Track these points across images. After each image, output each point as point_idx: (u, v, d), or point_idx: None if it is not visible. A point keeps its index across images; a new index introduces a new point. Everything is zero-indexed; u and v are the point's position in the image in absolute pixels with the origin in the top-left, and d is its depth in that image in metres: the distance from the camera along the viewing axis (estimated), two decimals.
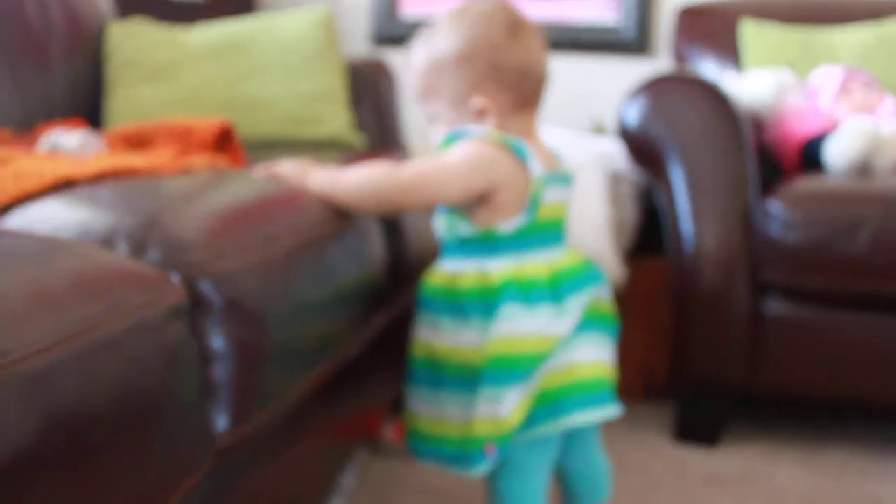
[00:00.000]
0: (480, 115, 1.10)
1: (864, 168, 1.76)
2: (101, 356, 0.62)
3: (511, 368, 1.04)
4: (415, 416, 1.12)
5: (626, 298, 1.92)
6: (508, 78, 1.09)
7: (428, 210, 1.15)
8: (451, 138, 1.10)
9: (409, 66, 1.14)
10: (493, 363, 1.03)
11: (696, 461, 1.65)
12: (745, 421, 1.80)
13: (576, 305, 1.08)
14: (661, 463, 1.64)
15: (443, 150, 1.11)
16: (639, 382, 1.96)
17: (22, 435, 0.53)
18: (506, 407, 1.03)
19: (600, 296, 1.14)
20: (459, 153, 1.07)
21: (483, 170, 1.06)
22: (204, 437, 0.77)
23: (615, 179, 1.96)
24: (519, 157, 1.07)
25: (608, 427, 1.76)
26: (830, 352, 1.63)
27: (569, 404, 1.07)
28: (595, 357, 1.12)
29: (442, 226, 1.12)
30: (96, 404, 0.61)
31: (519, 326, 1.04)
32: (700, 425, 1.73)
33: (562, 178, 1.12)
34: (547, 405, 1.07)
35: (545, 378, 1.06)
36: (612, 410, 1.13)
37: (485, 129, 1.08)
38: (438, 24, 1.13)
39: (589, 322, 1.10)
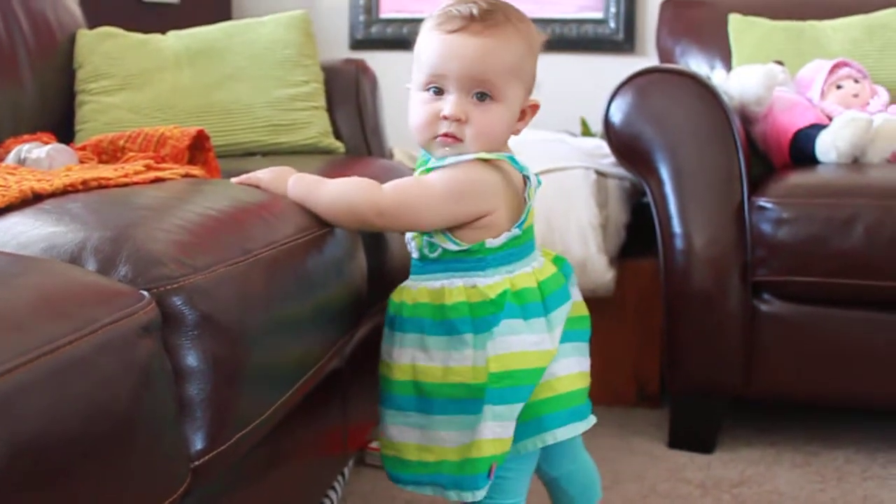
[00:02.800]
0: (524, 115, 1.06)
1: (856, 161, 1.74)
2: (68, 377, 0.58)
3: (516, 385, 1.00)
4: (397, 444, 1.06)
5: (615, 300, 1.89)
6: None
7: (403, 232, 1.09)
8: (428, 166, 1.04)
9: (491, 42, 1.01)
10: (497, 381, 0.99)
11: (693, 467, 1.62)
12: (741, 425, 1.77)
13: (559, 318, 1.06)
14: (657, 469, 1.61)
15: (423, 172, 1.05)
16: (632, 387, 1.93)
17: None
18: (512, 425, 1.00)
19: (573, 295, 1.11)
20: (445, 181, 1.01)
21: (470, 199, 1.01)
22: (179, 457, 0.73)
23: (602, 178, 1.93)
24: (517, 168, 1.03)
25: (602, 434, 1.74)
26: (826, 350, 1.60)
27: (551, 419, 1.04)
28: (573, 368, 1.08)
29: (419, 241, 1.05)
30: (64, 427, 0.57)
31: (517, 342, 1.00)
32: (695, 431, 1.70)
33: (537, 180, 1.09)
34: (531, 420, 1.03)
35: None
36: (590, 421, 1.10)
37: (476, 154, 1.01)
38: (513, 12, 1.04)
39: (566, 331, 1.07)
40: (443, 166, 1.03)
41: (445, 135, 1.01)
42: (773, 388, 1.64)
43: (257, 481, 0.97)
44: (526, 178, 1.04)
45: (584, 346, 1.11)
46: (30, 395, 0.53)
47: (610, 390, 1.91)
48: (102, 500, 0.61)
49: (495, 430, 0.99)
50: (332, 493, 1.33)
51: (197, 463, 0.74)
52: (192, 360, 0.75)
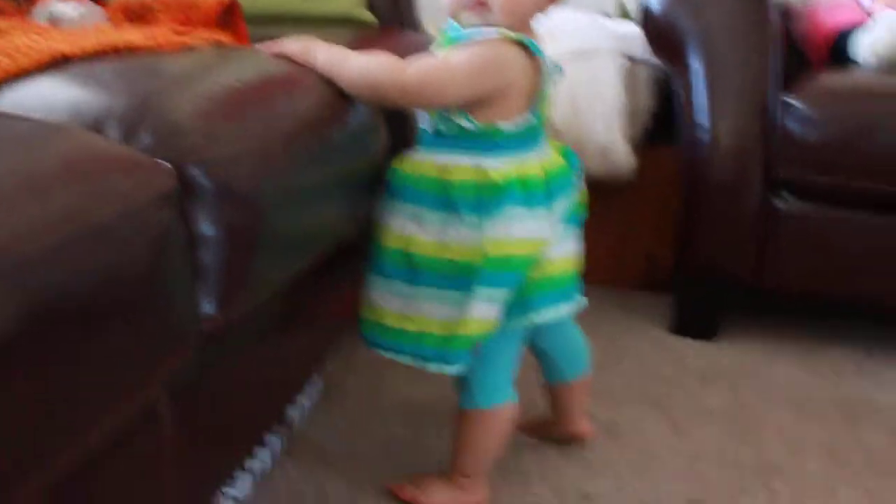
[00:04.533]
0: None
1: (895, 66, 1.71)
2: (88, 242, 0.62)
3: (509, 270, 1.04)
4: (379, 310, 1.10)
5: (635, 186, 1.91)
6: None
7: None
8: (453, 39, 1.06)
9: None
10: (492, 264, 1.03)
11: (693, 354, 1.67)
12: (744, 317, 1.81)
13: (561, 209, 1.09)
14: (658, 353, 1.66)
15: (446, 47, 1.07)
16: (642, 271, 1.97)
17: (6, 321, 0.53)
18: (498, 309, 1.04)
19: (577, 187, 1.13)
20: (468, 56, 1.03)
21: (491, 73, 1.03)
22: (190, 320, 0.77)
23: (632, 64, 1.92)
24: (535, 53, 1.04)
25: (608, 315, 1.79)
26: (839, 251, 1.62)
27: (538, 300, 1.10)
28: (564, 252, 1.13)
29: (434, 114, 1.07)
30: (84, 290, 0.61)
31: (518, 229, 1.04)
32: (698, 318, 1.74)
33: (558, 68, 1.09)
34: (518, 300, 1.08)
35: None
36: (578, 303, 1.16)
37: (497, 28, 1.03)
38: None
39: (568, 217, 1.11)
40: (464, 43, 1.04)
41: (474, 2, 1.03)
42: (782, 282, 1.67)
43: (265, 344, 1.02)
44: (543, 64, 1.05)
45: (578, 231, 1.15)
46: (52, 259, 0.57)
47: (620, 272, 1.95)
48: (114, 354, 0.65)
49: (484, 310, 1.04)
50: (330, 362, 1.40)
51: (207, 326, 0.79)
52: (207, 228, 0.78)
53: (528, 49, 1.04)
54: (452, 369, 1.07)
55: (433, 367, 1.08)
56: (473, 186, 1.03)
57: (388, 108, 1.15)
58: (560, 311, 1.14)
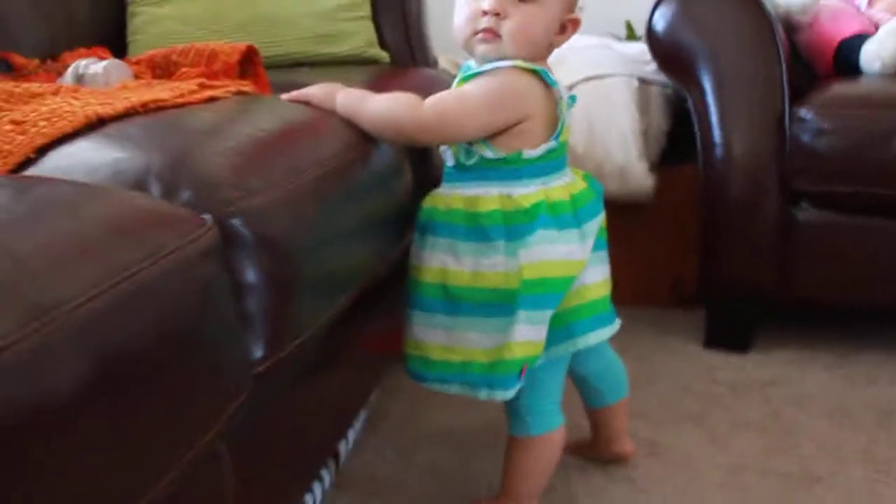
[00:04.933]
0: (563, 30, 1.09)
1: None
2: (142, 299, 0.64)
3: (547, 293, 1.07)
4: (422, 344, 1.11)
5: (655, 206, 1.93)
6: None
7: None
8: (467, 76, 1.09)
9: None
10: (529, 287, 1.05)
11: (726, 367, 1.68)
12: (775, 328, 1.82)
13: (592, 230, 1.11)
14: (691, 369, 1.67)
15: (461, 83, 1.09)
16: (669, 290, 1.98)
17: (75, 381, 0.56)
18: (544, 329, 1.06)
19: (603, 214, 1.16)
20: (483, 89, 1.06)
21: (507, 104, 1.05)
22: (242, 365, 0.80)
23: (644, 85, 1.94)
24: (549, 83, 1.06)
25: (639, 334, 1.80)
26: (860, 258, 1.63)
27: (581, 326, 1.13)
28: (599, 277, 1.16)
29: (455, 148, 1.09)
30: (140, 345, 0.63)
31: (551, 251, 1.06)
32: (730, 332, 1.75)
33: (572, 98, 1.12)
34: (562, 327, 1.11)
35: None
36: (615, 326, 1.19)
37: (513, 61, 1.05)
38: None
39: (595, 242, 1.13)
40: (480, 74, 1.07)
41: (484, 30, 1.05)
42: (807, 292, 1.68)
43: (313, 383, 1.05)
44: (558, 93, 1.07)
45: (606, 255, 1.18)
46: (110, 318, 0.59)
47: (648, 292, 1.97)
48: (175, 406, 0.68)
49: (528, 333, 1.06)
50: (374, 395, 1.42)
51: (258, 369, 0.81)
52: (250, 276, 0.81)
53: (543, 78, 1.06)
54: (501, 395, 1.09)
55: (483, 395, 1.09)
56: (501, 214, 1.05)
57: (410, 145, 1.17)
58: (602, 335, 1.16)
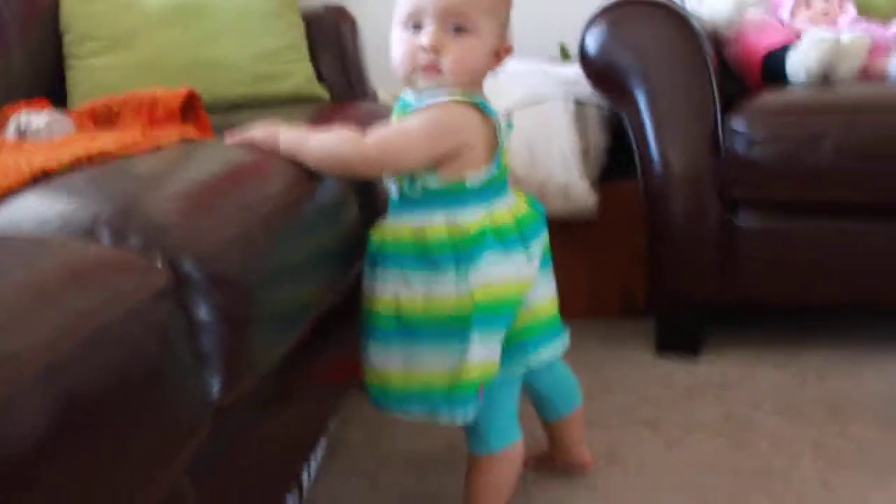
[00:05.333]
0: (498, 57, 1.12)
1: (825, 78, 1.80)
2: (102, 343, 0.66)
3: (499, 313, 1.09)
4: (382, 373, 1.13)
5: (600, 221, 1.97)
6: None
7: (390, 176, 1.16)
8: (406, 107, 1.12)
9: None
10: (481, 310, 1.07)
11: (679, 372, 1.72)
12: (725, 331, 1.87)
13: (537, 250, 1.15)
14: (645, 376, 1.71)
15: (400, 116, 1.13)
16: (618, 301, 2.02)
17: (40, 426, 0.58)
18: (497, 348, 1.09)
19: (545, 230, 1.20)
20: (423, 121, 1.08)
21: (446, 135, 1.08)
22: (200, 402, 0.81)
23: (581, 106, 1.99)
24: (486, 112, 1.10)
25: (592, 345, 1.84)
26: (801, 259, 1.69)
27: (533, 343, 1.16)
28: (547, 294, 1.20)
29: (400, 180, 1.12)
30: (101, 387, 0.65)
31: (499, 273, 1.09)
32: (681, 338, 1.80)
33: (509, 125, 1.16)
34: (515, 344, 1.14)
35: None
36: (566, 342, 1.23)
37: (449, 91, 1.08)
38: None
39: (540, 261, 1.16)
40: (419, 108, 1.10)
41: (425, 66, 1.08)
42: (752, 295, 1.73)
43: (272, 413, 1.06)
44: (496, 121, 1.11)
45: (551, 272, 1.22)
46: (71, 363, 0.61)
47: (598, 304, 2.01)
48: (136, 445, 0.69)
49: (483, 353, 1.09)
50: (332, 422, 1.44)
51: (216, 406, 0.83)
52: (204, 315, 0.83)
53: (480, 108, 1.10)
54: (462, 417, 1.11)
55: (444, 419, 1.11)
56: (449, 242, 1.08)
57: (354, 178, 1.20)
58: (554, 351, 1.20)
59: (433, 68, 1.08)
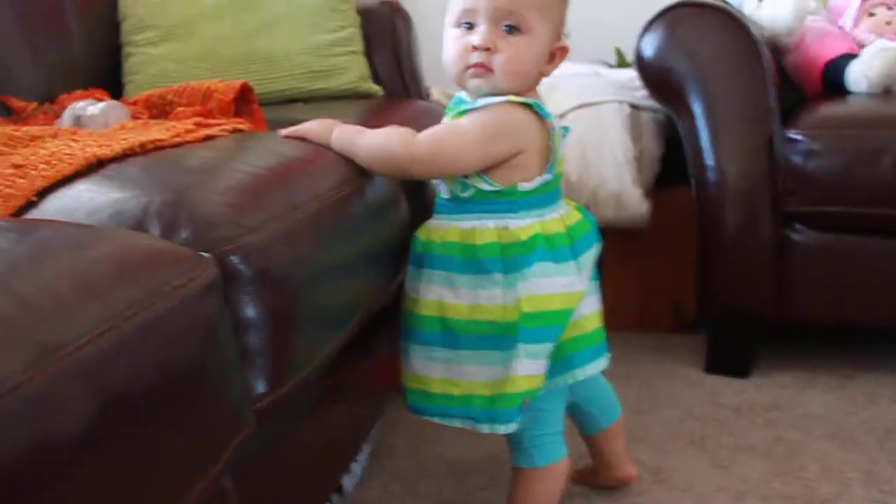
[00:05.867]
0: (552, 59, 1.10)
1: (887, 90, 1.75)
2: (145, 338, 0.65)
3: (548, 325, 1.07)
4: (422, 377, 1.11)
5: (652, 231, 1.94)
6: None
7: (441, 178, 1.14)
8: (459, 108, 1.09)
9: None
10: (529, 321, 1.05)
11: (728, 391, 1.68)
12: (775, 351, 1.82)
13: (587, 261, 1.12)
14: (694, 394, 1.67)
15: (453, 116, 1.10)
16: (668, 315, 1.98)
17: (81, 420, 0.56)
18: (544, 362, 1.07)
19: (598, 245, 1.17)
20: (477, 123, 1.06)
21: (501, 138, 1.06)
22: (244, 400, 0.80)
23: (636, 111, 1.96)
24: (541, 115, 1.07)
25: (640, 360, 1.80)
26: (856, 278, 1.64)
27: (580, 357, 1.13)
28: (595, 308, 1.16)
29: (451, 181, 1.10)
30: (144, 382, 0.64)
31: (549, 284, 1.06)
32: (731, 356, 1.76)
33: (565, 129, 1.13)
34: (561, 359, 1.11)
35: None
36: (608, 358, 1.19)
37: (506, 95, 1.06)
38: None
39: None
40: (473, 109, 1.07)
41: (476, 65, 1.06)
42: (804, 314, 1.69)
43: (315, 416, 1.05)
44: (551, 125, 1.08)
45: (597, 286, 1.18)
46: (114, 357, 0.60)
47: (648, 317, 1.98)
48: (178, 442, 0.68)
49: (529, 367, 1.06)
50: (377, 427, 1.42)
51: (259, 405, 0.81)
52: (250, 312, 0.82)
53: (536, 111, 1.07)
54: (504, 428, 1.09)
55: (485, 429, 1.09)
56: (499, 246, 1.06)
57: (404, 178, 1.18)
58: (599, 366, 1.17)
59: (484, 68, 1.06)
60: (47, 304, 0.60)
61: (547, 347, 1.08)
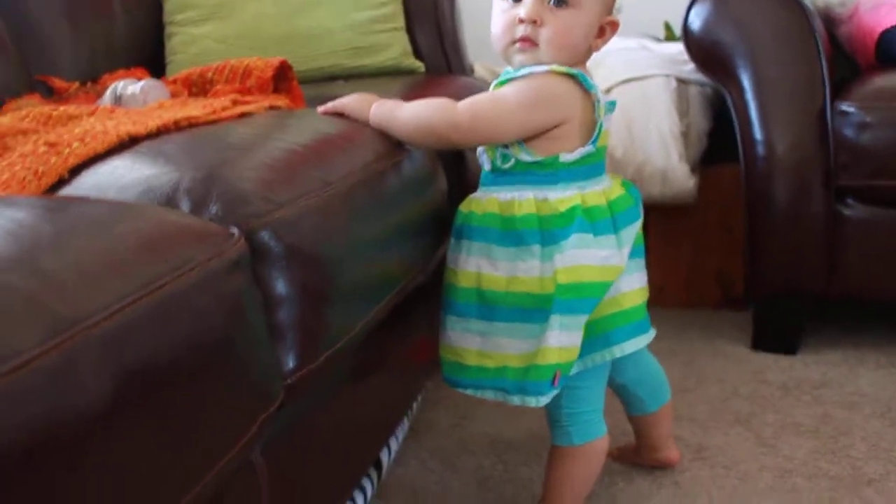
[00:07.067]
0: (602, 33, 1.09)
1: None
2: (169, 313, 0.65)
3: (582, 297, 1.05)
4: (458, 350, 1.11)
5: (699, 207, 1.91)
6: None
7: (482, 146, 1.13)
8: (503, 80, 1.08)
9: None
10: (564, 292, 1.03)
11: (775, 369, 1.65)
12: (824, 328, 1.79)
13: (629, 236, 1.09)
14: (740, 371, 1.65)
15: (497, 86, 1.09)
16: (716, 291, 1.95)
17: (99, 397, 0.56)
18: (578, 335, 1.05)
19: (640, 221, 1.14)
20: (518, 91, 1.05)
21: (542, 106, 1.04)
22: (273, 376, 0.80)
23: (683, 85, 1.92)
24: (585, 86, 1.05)
25: (687, 336, 1.78)
26: None
27: (618, 334, 1.10)
28: (636, 284, 1.13)
29: (492, 153, 1.09)
30: (166, 358, 0.64)
31: (587, 256, 1.04)
32: (778, 333, 1.72)
33: (611, 104, 1.11)
34: (599, 335, 1.09)
35: (597, 307, 1.07)
36: (651, 335, 1.16)
37: (550, 65, 1.05)
38: None
39: (632, 250, 1.11)
40: (515, 78, 1.06)
41: (521, 39, 1.05)
42: (855, 289, 1.65)
43: (350, 392, 1.05)
44: (596, 97, 1.06)
45: (643, 262, 1.16)
46: (136, 332, 0.60)
47: (695, 294, 1.95)
48: (204, 419, 0.68)
49: (561, 338, 1.04)
50: (416, 403, 1.42)
51: (290, 380, 0.81)
52: (280, 288, 0.81)
53: (580, 82, 1.05)
54: (535, 401, 1.07)
55: (516, 400, 1.08)
56: (537, 218, 1.04)
57: (444, 148, 1.17)
58: (638, 343, 1.13)
59: (529, 42, 1.05)
60: (70, 279, 0.60)
61: (580, 320, 1.06)
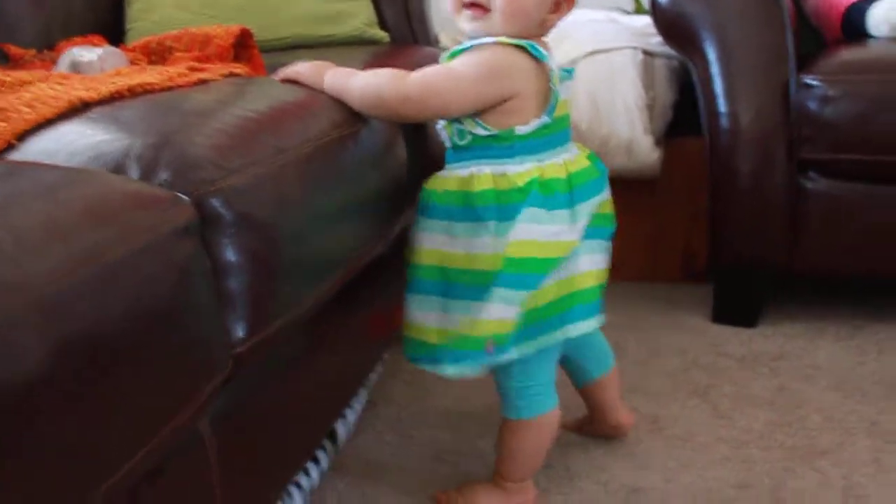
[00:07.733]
0: (558, 8, 1.07)
1: None
2: (112, 280, 0.64)
3: (528, 272, 1.04)
4: (419, 327, 1.11)
5: (663, 180, 1.91)
6: None
7: (433, 120, 1.12)
8: (453, 53, 1.07)
9: None
10: (510, 266, 1.03)
11: (734, 341, 1.66)
12: (785, 301, 1.80)
13: (585, 213, 1.09)
14: (700, 343, 1.66)
15: (447, 59, 1.08)
16: (678, 264, 1.96)
17: (38, 362, 0.56)
18: (516, 310, 1.05)
19: (603, 196, 1.13)
20: (469, 64, 1.04)
21: (493, 79, 1.03)
22: (221, 344, 0.80)
23: (649, 57, 1.92)
24: (537, 56, 1.05)
25: (648, 309, 1.79)
26: (871, 228, 1.61)
27: (571, 315, 1.10)
28: (592, 266, 1.12)
29: (450, 129, 1.09)
30: (110, 326, 0.63)
31: (538, 231, 1.04)
32: (739, 306, 1.74)
33: (567, 72, 1.10)
34: (553, 316, 1.08)
35: (550, 287, 1.07)
36: (601, 319, 1.15)
37: (496, 37, 1.04)
38: None
39: (590, 229, 1.10)
40: (465, 51, 1.05)
41: (472, 4, 1.04)
42: (817, 263, 1.66)
43: (305, 364, 1.05)
44: (548, 67, 1.06)
45: (606, 244, 1.15)
46: (77, 299, 0.59)
47: (657, 268, 1.96)
48: (148, 385, 0.68)
49: (500, 311, 1.04)
50: (373, 375, 1.42)
51: (238, 350, 0.81)
52: (230, 256, 0.81)
53: (530, 52, 1.05)
54: (470, 370, 1.08)
55: (449, 370, 1.09)
56: (494, 193, 1.04)
57: (395, 120, 1.15)
58: (589, 326, 1.13)
59: (480, 9, 1.04)
60: (10, 245, 0.59)
61: (523, 295, 1.05)
